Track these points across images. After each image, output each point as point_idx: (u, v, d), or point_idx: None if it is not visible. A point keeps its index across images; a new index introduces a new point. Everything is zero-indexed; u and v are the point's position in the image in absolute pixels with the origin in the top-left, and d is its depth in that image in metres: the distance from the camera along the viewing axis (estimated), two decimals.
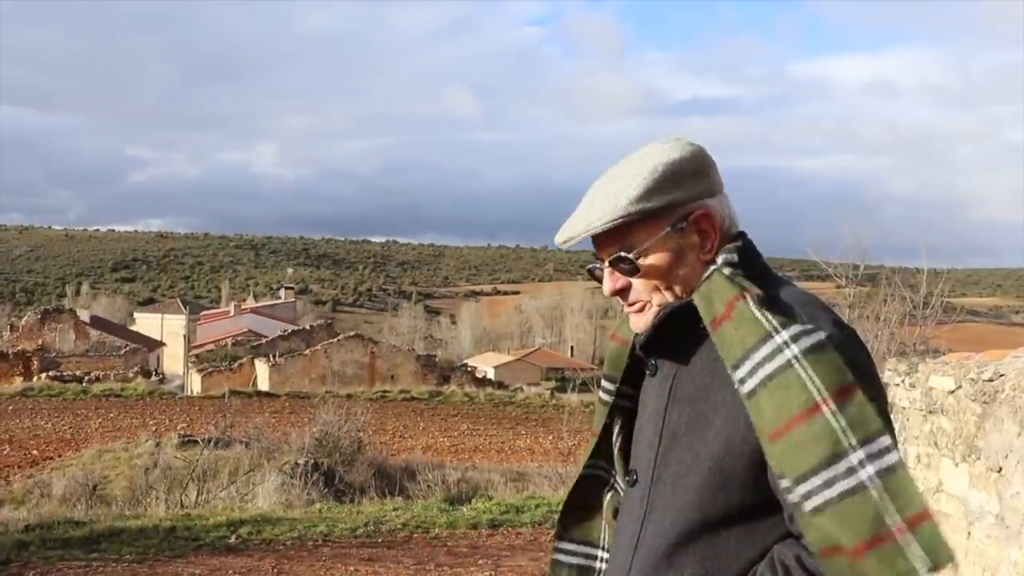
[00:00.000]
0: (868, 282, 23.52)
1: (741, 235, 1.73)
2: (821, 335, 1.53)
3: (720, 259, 1.67)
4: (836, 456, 1.46)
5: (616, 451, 1.87)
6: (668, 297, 1.70)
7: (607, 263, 1.74)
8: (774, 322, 1.55)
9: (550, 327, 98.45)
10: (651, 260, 1.69)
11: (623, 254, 1.70)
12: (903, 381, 5.14)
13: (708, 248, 1.70)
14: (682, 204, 1.68)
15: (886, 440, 1.47)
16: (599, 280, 1.79)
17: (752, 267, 1.68)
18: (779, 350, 1.53)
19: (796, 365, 1.51)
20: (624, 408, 1.85)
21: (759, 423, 1.53)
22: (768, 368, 1.54)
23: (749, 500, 1.59)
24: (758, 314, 1.57)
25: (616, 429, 1.87)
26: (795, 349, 1.52)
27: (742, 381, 1.56)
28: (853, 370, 1.51)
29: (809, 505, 1.47)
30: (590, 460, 1.93)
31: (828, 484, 1.46)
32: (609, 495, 1.93)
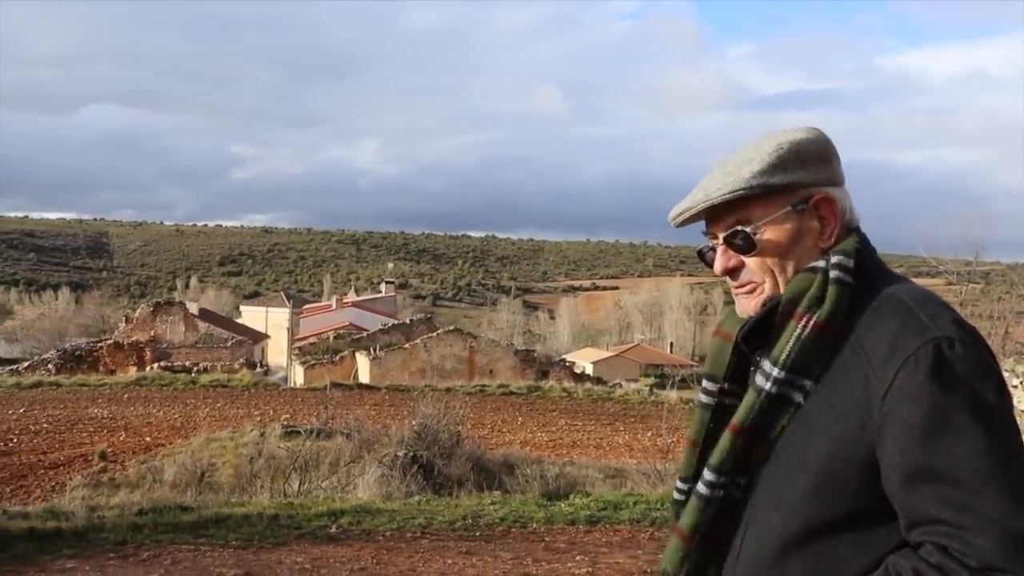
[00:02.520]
0: (981, 279, 22.68)
1: (857, 231, 1.68)
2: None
3: (834, 259, 1.61)
4: None
5: (704, 447, 1.77)
6: (780, 282, 1.66)
7: (722, 239, 1.69)
8: (788, 360, 1.58)
9: (649, 323, 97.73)
10: (768, 237, 1.65)
11: (740, 228, 1.66)
12: (1021, 383, 4.94)
13: (827, 235, 1.65)
14: (804, 186, 1.64)
15: None
16: (709, 264, 1.76)
17: (867, 266, 1.62)
18: (761, 384, 1.60)
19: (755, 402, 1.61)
20: (731, 407, 1.75)
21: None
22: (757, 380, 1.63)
23: (861, 506, 1.52)
24: (790, 344, 1.58)
25: (720, 432, 1.75)
26: (768, 387, 1.60)
27: (765, 376, 1.61)
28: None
29: None
30: (683, 479, 1.81)
31: None
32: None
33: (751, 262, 1.67)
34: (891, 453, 1.47)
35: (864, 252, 1.64)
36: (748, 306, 1.70)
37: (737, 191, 1.62)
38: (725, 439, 1.63)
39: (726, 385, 1.76)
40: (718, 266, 1.71)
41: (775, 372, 1.58)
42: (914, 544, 1.47)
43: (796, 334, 1.57)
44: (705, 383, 1.81)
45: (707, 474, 1.65)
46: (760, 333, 1.67)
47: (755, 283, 1.69)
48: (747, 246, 1.66)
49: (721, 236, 1.69)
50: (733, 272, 1.71)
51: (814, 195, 1.64)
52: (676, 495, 1.83)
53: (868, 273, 1.61)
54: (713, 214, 1.69)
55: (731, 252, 1.69)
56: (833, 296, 1.57)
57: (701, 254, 1.78)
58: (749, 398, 1.62)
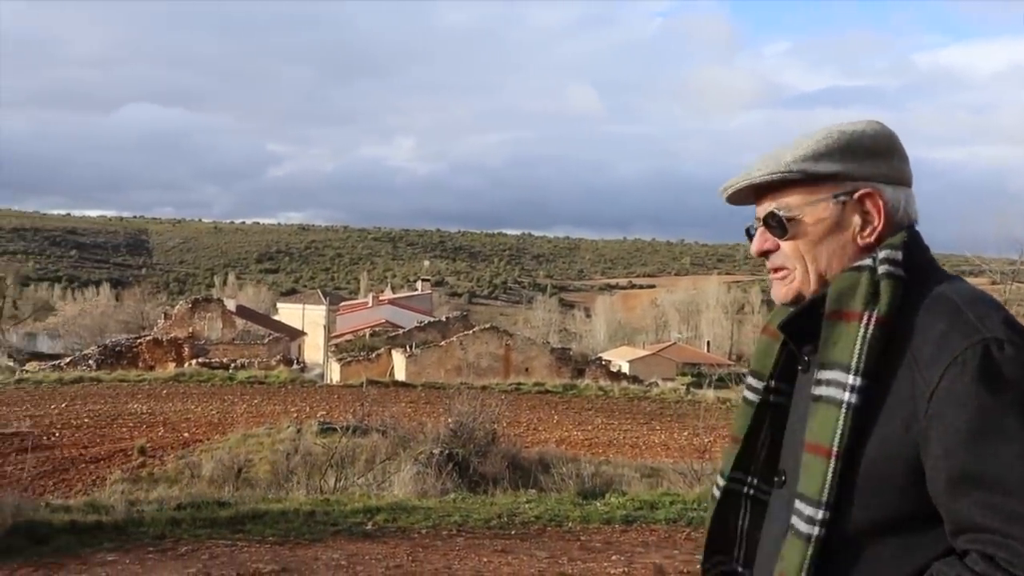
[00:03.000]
0: None
1: (909, 228, 1.63)
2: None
3: (882, 253, 1.57)
4: None
5: (762, 451, 1.76)
6: (811, 271, 1.63)
7: (761, 220, 1.69)
8: (861, 364, 1.51)
9: (686, 321, 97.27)
10: (803, 223, 1.62)
11: (776, 210, 1.64)
12: None
13: (868, 232, 1.61)
14: (852, 178, 1.60)
15: None
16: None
17: (917, 262, 1.58)
18: (838, 396, 1.52)
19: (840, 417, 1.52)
20: (776, 406, 1.74)
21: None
22: (826, 392, 1.54)
23: (906, 510, 1.48)
24: (858, 347, 1.52)
25: (764, 430, 1.75)
26: (848, 398, 1.51)
27: (818, 382, 1.56)
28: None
29: None
30: (730, 472, 1.79)
31: None
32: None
33: (785, 246, 1.66)
34: (936, 456, 1.43)
35: (914, 248, 1.60)
36: (779, 292, 1.69)
37: (775, 174, 1.61)
38: (818, 465, 1.53)
39: (772, 383, 1.74)
40: (754, 246, 1.71)
41: (852, 380, 1.51)
42: (960, 552, 1.43)
43: (861, 335, 1.52)
44: (750, 380, 1.79)
45: (807, 508, 1.53)
46: (801, 328, 1.64)
47: (787, 269, 1.67)
48: (781, 229, 1.64)
49: (761, 218, 1.69)
50: (768, 254, 1.70)
51: (860, 188, 1.60)
52: (715, 491, 1.82)
53: (918, 270, 1.57)
54: (759, 195, 1.68)
55: (768, 234, 1.68)
56: (888, 290, 1.53)
57: (748, 232, 1.77)
58: (828, 415, 1.53)
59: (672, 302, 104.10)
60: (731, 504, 1.79)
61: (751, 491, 1.78)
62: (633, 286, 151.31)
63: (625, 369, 52.22)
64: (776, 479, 1.69)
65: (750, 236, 1.75)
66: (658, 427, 25.53)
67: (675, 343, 77.16)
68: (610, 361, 51.31)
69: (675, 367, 61.65)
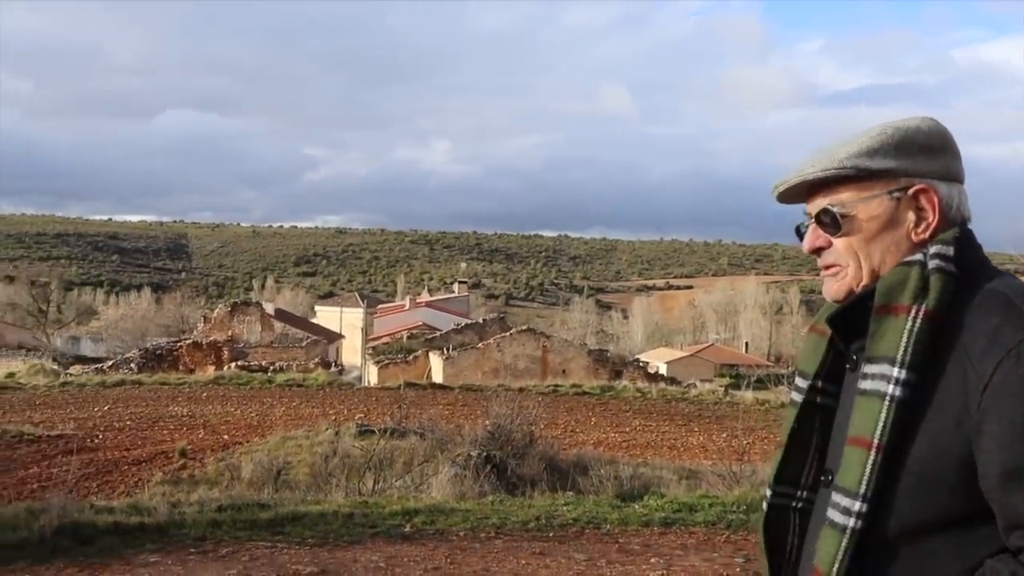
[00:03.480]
0: None
1: (961, 225, 1.61)
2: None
3: (933, 248, 1.56)
4: None
5: (814, 459, 1.71)
6: (864, 268, 1.61)
7: (813, 217, 1.67)
8: (907, 357, 1.49)
9: (724, 322, 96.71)
10: (857, 220, 1.61)
11: (829, 207, 1.63)
12: None
13: (923, 229, 1.59)
14: (906, 175, 1.59)
15: None
16: (802, 239, 1.74)
17: (968, 259, 1.56)
18: (882, 389, 1.51)
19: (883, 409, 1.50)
20: (823, 407, 1.71)
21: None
22: (871, 385, 1.53)
23: (957, 507, 1.46)
24: (904, 340, 1.50)
25: (814, 434, 1.71)
26: (892, 391, 1.49)
27: (864, 376, 1.54)
28: None
29: None
30: (775, 485, 1.75)
31: None
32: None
33: (838, 243, 1.64)
34: (990, 450, 1.41)
35: (966, 245, 1.58)
36: (831, 289, 1.67)
37: (829, 170, 1.60)
38: (858, 457, 1.51)
39: (819, 383, 1.71)
40: (806, 243, 1.70)
41: (897, 373, 1.50)
42: (1013, 549, 1.41)
43: (908, 327, 1.50)
44: (797, 380, 1.76)
45: (843, 499, 1.52)
46: (849, 324, 1.63)
47: (840, 266, 1.65)
48: (835, 226, 1.63)
49: (813, 215, 1.67)
50: (821, 252, 1.68)
51: (913, 185, 1.59)
52: (772, 499, 1.76)
53: (969, 267, 1.55)
54: (811, 192, 1.67)
55: (820, 231, 1.66)
56: (937, 285, 1.51)
57: (798, 230, 1.76)
58: (871, 408, 1.51)
59: (710, 303, 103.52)
60: (780, 521, 1.74)
61: (799, 504, 1.73)
62: (670, 287, 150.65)
63: (663, 370, 52.02)
64: (823, 478, 1.67)
65: (800, 234, 1.74)
66: (696, 429, 25.38)
67: (713, 344, 76.76)
68: (648, 362, 51.12)
69: (713, 368, 61.36)
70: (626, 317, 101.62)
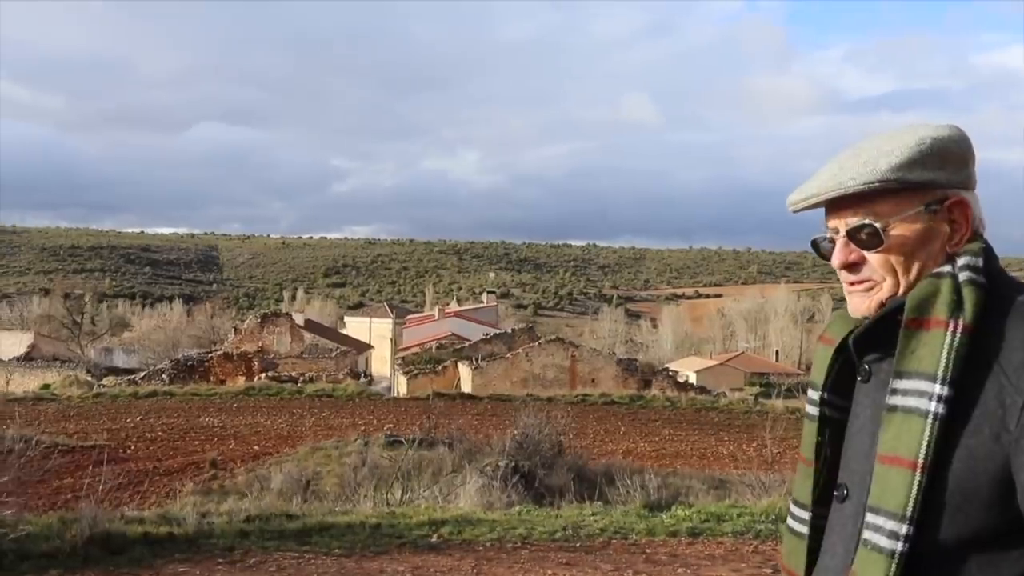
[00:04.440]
0: None
1: (981, 236, 1.60)
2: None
3: (962, 260, 1.54)
4: None
5: (818, 464, 1.68)
6: (902, 283, 1.57)
7: (844, 232, 1.60)
8: (948, 373, 1.45)
9: (753, 331, 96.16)
10: (897, 234, 1.56)
11: (869, 222, 1.56)
12: None
13: (956, 241, 1.57)
14: (941, 186, 1.56)
15: None
16: (822, 254, 1.67)
17: (993, 270, 1.55)
18: (923, 407, 1.46)
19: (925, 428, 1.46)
20: (831, 420, 1.66)
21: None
22: (906, 402, 1.49)
23: (993, 525, 1.43)
24: (944, 355, 1.46)
25: (822, 443, 1.67)
26: (935, 408, 1.45)
27: (893, 392, 1.51)
28: None
29: None
30: (800, 506, 1.70)
31: None
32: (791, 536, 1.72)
33: (874, 258, 1.58)
34: None
35: (990, 255, 1.57)
36: (862, 305, 1.61)
37: (872, 183, 1.53)
38: (899, 477, 1.47)
39: (826, 395, 1.67)
40: (837, 259, 1.61)
41: (939, 389, 1.45)
42: None
43: (948, 342, 1.46)
44: (810, 392, 1.72)
45: (888, 522, 1.48)
46: (872, 337, 1.59)
47: (874, 281, 1.59)
48: (874, 242, 1.57)
49: (843, 229, 1.60)
50: (852, 267, 1.61)
51: (949, 197, 1.56)
52: (793, 523, 1.72)
53: (994, 278, 1.53)
54: (837, 204, 1.60)
55: (852, 246, 1.60)
56: (972, 298, 1.48)
57: (815, 244, 1.69)
58: (910, 426, 1.47)
59: (739, 311, 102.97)
60: (810, 544, 1.69)
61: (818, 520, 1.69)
62: (700, 295, 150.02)
63: (692, 379, 51.75)
64: (836, 493, 1.63)
65: (818, 249, 1.69)
66: (726, 438, 25.29)
67: (743, 353, 76.31)
68: (677, 371, 50.91)
69: (743, 377, 60.99)
70: (655, 326, 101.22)
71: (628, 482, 12.94)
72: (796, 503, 1.72)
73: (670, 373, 46.66)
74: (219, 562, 7.63)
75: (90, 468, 16.99)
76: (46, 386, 35.88)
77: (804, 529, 1.69)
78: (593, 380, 39.96)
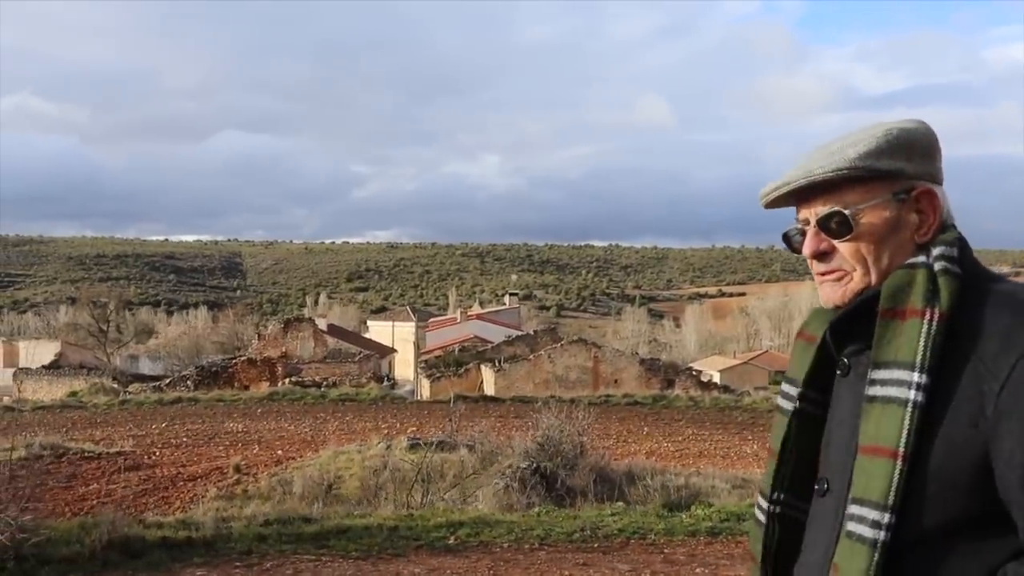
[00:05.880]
0: None
1: (953, 227, 1.61)
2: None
3: (937, 250, 1.55)
4: None
5: (789, 464, 1.69)
6: (872, 272, 1.58)
7: (815, 221, 1.63)
8: (925, 361, 1.47)
9: (777, 329, 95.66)
10: (866, 223, 1.58)
11: (838, 209, 1.59)
12: None
13: (924, 231, 1.58)
14: (908, 176, 1.58)
15: None
16: (794, 248, 1.70)
17: (968, 260, 1.56)
18: (902, 395, 1.48)
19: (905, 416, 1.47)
20: (808, 415, 1.67)
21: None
22: (885, 391, 1.50)
23: (974, 510, 1.44)
24: (921, 344, 1.48)
25: (795, 438, 1.68)
26: (914, 396, 1.46)
27: (872, 382, 1.51)
28: None
29: None
30: (773, 494, 1.71)
31: None
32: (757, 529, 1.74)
33: (844, 248, 1.60)
34: (1009, 451, 1.39)
35: (965, 246, 1.58)
36: (834, 295, 1.63)
37: (841, 170, 1.56)
38: (880, 467, 1.47)
39: (806, 391, 1.68)
40: (808, 249, 1.64)
41: (917, 378, 1.47)
42: None
43: (925, 331, 1.48)
44: (784, 387, 1.73)
45: (870, 512, 1.48)
46: (850, 331, 1.60)
47: (844, 271, 1.61)
48: (843, 230, 1.59)
49: (814, 218, 1.62)
50: (822, 256, 1.63)
51: (917, 187, 1.58)
52: (756, 511, 1.75)
53: (968, 268, 1.55)
54: (806, 196, 1.63)
55: (823, 235, 1.62)
56: (948, 287, 1.50)
57: (787, 237, 1.73)
58: (890, 415, 1.48)
59: (763, 309, 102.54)
60: (790, 530, 1.70)
61: (777, 509, 1.71)
62: (723, 294, 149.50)
63: (716, 379, 51.50)
64: (817, 487, 1.63)
65: (788, 241, 1.72)
66: (750, 437, 25.16)
67: (767, 351, 75.93)
68: (700, 371, 50.69)
69: (767, 376, 60.66)
70: (678, 326, 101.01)
71: (648, 482, 12.92)
72: (760, 492, 1.75)
73: (693, 373, 46.44)
74: (236, 565, 7.68)
75: (116, 474, 17.16)
76: (73, 394, 36.18)
77: (763, 517, 1.72)
78: (616, 380, 39.84)
